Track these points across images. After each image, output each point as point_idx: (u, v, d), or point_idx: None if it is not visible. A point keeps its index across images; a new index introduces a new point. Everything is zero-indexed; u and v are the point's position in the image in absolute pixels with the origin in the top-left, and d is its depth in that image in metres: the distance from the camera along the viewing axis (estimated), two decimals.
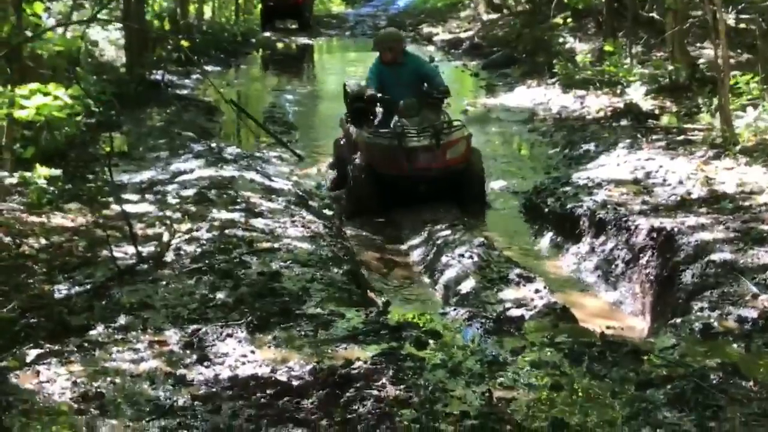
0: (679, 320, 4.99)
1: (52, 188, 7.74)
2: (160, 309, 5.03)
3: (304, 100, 17.96)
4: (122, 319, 4.84)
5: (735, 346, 4.43)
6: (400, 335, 4.46)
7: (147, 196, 8.18)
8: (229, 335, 4.43)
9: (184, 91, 16.90)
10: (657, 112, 12.77)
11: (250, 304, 5.02)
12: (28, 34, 8.03)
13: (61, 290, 5.43)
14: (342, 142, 10.31)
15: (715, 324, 4.71)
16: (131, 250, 6.03)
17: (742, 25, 17.88)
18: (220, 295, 5.19)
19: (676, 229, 6.60)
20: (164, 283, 5.45)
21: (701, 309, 5.19)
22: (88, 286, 5.44)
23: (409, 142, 9.10)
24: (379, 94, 9.47)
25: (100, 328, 4.66)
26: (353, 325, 4.62)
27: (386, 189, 9.20)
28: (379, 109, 9.91)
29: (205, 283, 5.40)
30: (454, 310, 5.03)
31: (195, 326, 4.58)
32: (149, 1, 19.45)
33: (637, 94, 14.02)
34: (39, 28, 8.12)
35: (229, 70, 21.95)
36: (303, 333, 4.49)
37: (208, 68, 20.96)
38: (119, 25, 17.33)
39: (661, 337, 4.62)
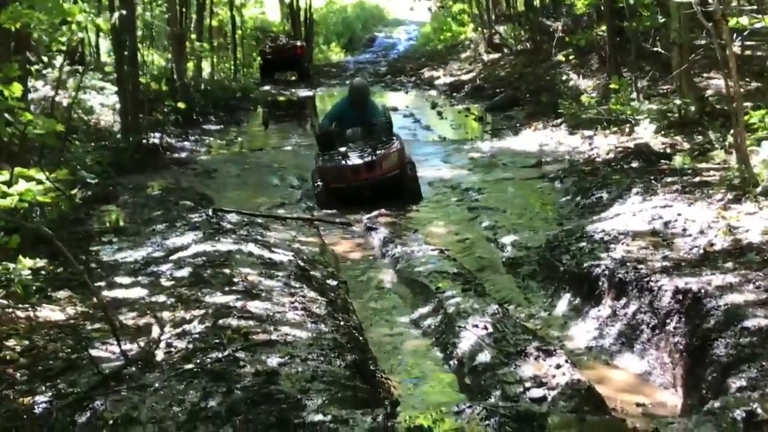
0: (717, 404, 4.49)
1: (40, 276, 7.36)
2: (146, 424, 4.57)
3: (306, 153, 17.61)
4: None
5: None
6: None
7: (140, 278, 7.75)
8: None
9: (183, 154, 16.58)
10: (669, 151, 12.33)
11: (244, 413, 4.55)
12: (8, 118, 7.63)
13: (41, 403, 4.97)
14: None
15: (758, 410, 4.22)
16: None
17: (748, 53, 17.52)
18: (212, 403, 4.70)
19: (703, 291, 6.11)
20: (152, 389, 4.99)
21: (739, 389, 4.71)
22: (71, 398, 4.98)
23: (352, 160, 12.28)
24: (332, 128, 12.93)
25: None
26: None
27: (340, 197, 12.18)
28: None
29: (196, 388, 4.92)
30: (470, 407, 4.56)
31: None
32: (145, 61, 19.22)
33: (646, 132, 13.64)
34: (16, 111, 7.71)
35: (229, 129, 21.61)
36: None
37: (208, 127, 20.68)
38: (115, 88, 17.09)
39: (700, 429, 4.14)
